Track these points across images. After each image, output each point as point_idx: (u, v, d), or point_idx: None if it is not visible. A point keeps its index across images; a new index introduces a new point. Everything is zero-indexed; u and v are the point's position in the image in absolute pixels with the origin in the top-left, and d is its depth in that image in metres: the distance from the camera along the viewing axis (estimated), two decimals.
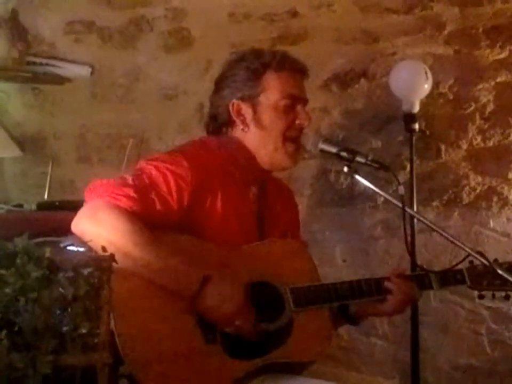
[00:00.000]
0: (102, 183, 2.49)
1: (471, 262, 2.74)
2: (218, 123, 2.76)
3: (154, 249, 2.39)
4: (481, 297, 2.81)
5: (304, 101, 2.75)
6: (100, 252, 2.09)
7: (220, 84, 2.77)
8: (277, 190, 2.91)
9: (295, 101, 2.70)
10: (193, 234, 2.54)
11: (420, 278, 2.75)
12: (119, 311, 2.17)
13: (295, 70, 2.73)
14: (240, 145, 2.71)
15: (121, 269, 2.12)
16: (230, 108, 2.70)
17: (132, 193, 2.44)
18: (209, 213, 2.59)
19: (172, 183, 2.50)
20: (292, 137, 2.70)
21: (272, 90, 2.68)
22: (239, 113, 2.70)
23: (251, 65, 2.70)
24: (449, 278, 2.77)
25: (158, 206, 2.47)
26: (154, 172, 2.51)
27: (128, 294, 2.30)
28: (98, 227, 2.39)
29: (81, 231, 2.42)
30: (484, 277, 2.75)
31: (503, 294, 2.78)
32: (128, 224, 2.39)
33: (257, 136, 2.70)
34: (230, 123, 2.73)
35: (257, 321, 2.47)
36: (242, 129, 2.71)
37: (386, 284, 2.68)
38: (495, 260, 2.70)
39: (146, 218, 2.43)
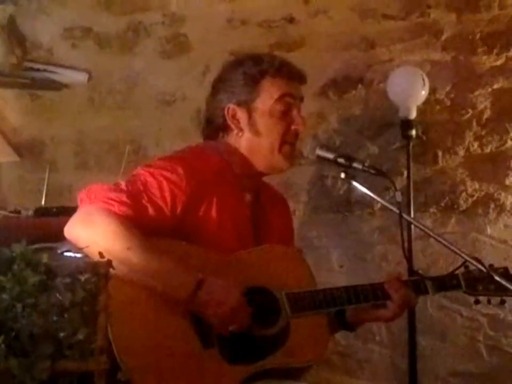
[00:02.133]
0: (95, 189, 2.49)
1: (466, 267, 2.74)
2: (214, 127, 2.76)
3: (148, 254, 2.39)
4: (477, 302, 2.81)
5: (300, 99, 2.75)
6: (95, 257, 2.09)
7: (216, 87, 2.78)
8: (271, 197, 2.90)
9: (290, 104, 2.70)
10: (189, 240, 2.54)
11: (416, 284, 2.74)
12: (115, 317, 2.16)
13: (291, 75, 2.73)
14: (234, 151, 2.71)
15: (117, 274, 2.12)
16: (226, 112, 2.71)
17: (125, 199, 2.44)
18: (205, 220, 2.59)
19: (166, 190, 2.50)
20: (288, 142, 2.71)
21: (268, 95, 2.68)
22: (234, 117, 2.71)
23: (248, 71, 2.70)
24: (444, 283, 2.77)
25: (151, 212, 2.47)
26: (149, 178, 2.51)
27: (124, 300, 2.30)
28: (92, 232, 2.39)
29: (74, 237, 2.42)
30: (479, 282, 2.75)
31: (499, 299, 2.79)
32: (121, 229, 2.39)
33: (252, 141, 2.70)
34: (225, 127, 2.73)
35: (254, 325, 2.47)
36: (237, 134, 2.71)
37: (386, 287, 2.68)
38: (491, 265, 2.70)
39: (139, 224, 2.43)
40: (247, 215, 2.75)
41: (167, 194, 2.50)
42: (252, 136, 2.70)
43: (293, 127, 2.71)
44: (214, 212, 2.60)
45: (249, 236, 2.73)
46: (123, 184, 2.50)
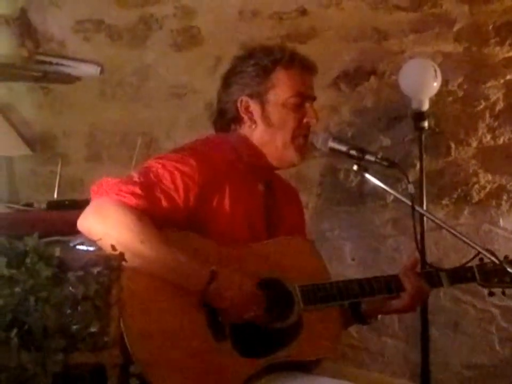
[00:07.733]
0: (107, 181, 2.49)
1: (481, 259, 2.73)
2: (226, 119, 2.76)
3: (161, 246, 2.38)
4: (491, 294, 2.79)
5: (313, 99, 2.75)
6: (108, 250, 2.09)
7: (228, 80, 2.77)
8: (283, 188, 2.90)
9: (303, 98, 2.70)
10: (202, 231, 2.54)
11: (430, 276, 2.73)
12: (128, 310, 2.17)
13: (304, 67, 2.72)
14: (247, 142, 2.71)
15: (130, 267, 2.12)
16: (238, 104, 2.70)
17: (138, 191, 2.43)
18: (218, 211, 2.58)
19: (179, 181, 2.49)
20: (301, 135, 2.70)
21: (281, 88, 2.68)
22: (247, 110, 2.70)
23: (260, 62, 2.69)
24: (459, 275, 2.75)
25: (164, 204, 2.46)
26: (161, 170, 2.50)
27: (137, 293, 2.30)
28: (105, 224, 2.38)
29: (87, 229, 2.42)
30: (494, 274, 2.73)
31: None
32: (134, 221, 2.38)
33: (265, 133, 2.69)
34: (238, 120, 2.72)
35: (267, 318, 2.47)
36: (250, 126, 2.70)
37: (400, 278, 2.67)
38: (506, 257, 2.69)
39: (152, 215, 2.42)
40: (259, 206, 2.74)
41: (180, 186, 2.49)
42: (265, 128, 2.69)
43: (305, 120, 2.70)
44: (226, 203, 2.59)
45: (261, 227, 2.72)
46: (135, 177, 2.49)
